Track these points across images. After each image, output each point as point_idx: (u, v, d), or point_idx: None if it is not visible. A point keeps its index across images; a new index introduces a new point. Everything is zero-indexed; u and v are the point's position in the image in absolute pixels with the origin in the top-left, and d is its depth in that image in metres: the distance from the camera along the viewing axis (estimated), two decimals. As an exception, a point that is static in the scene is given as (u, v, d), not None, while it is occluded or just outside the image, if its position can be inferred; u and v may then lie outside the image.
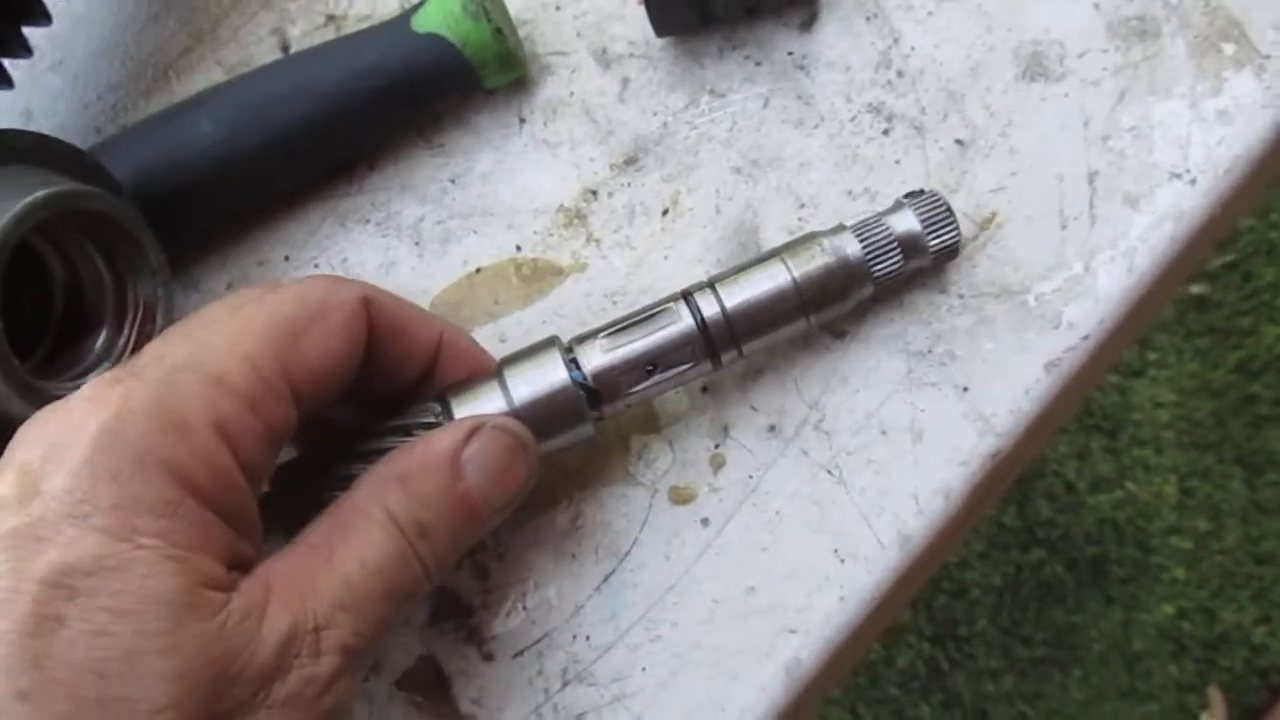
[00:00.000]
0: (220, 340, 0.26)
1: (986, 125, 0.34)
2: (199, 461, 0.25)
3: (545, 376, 0.30)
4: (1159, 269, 0.32)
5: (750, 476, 0.33)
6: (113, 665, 0.22)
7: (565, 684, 0.32)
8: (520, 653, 0.33)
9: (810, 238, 0.31)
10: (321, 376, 0.28)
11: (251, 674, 0.24)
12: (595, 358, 0.30)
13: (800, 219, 0.34)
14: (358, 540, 0.26)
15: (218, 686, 0.23)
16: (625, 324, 0.31)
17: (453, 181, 0.38)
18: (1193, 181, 0.32)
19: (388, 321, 0.30)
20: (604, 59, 0.38)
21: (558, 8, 0.39)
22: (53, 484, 0.23)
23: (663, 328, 0.30)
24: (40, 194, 0.31)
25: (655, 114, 0.37)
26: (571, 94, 0.38)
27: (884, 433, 0.32)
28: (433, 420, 0.30)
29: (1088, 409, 1.34)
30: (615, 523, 0.33)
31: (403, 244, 0.38)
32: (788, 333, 0.31)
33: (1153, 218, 0.32)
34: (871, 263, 0.31)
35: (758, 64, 0.36)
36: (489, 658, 0.33)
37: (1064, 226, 0.33)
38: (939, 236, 0.31)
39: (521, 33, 0.38)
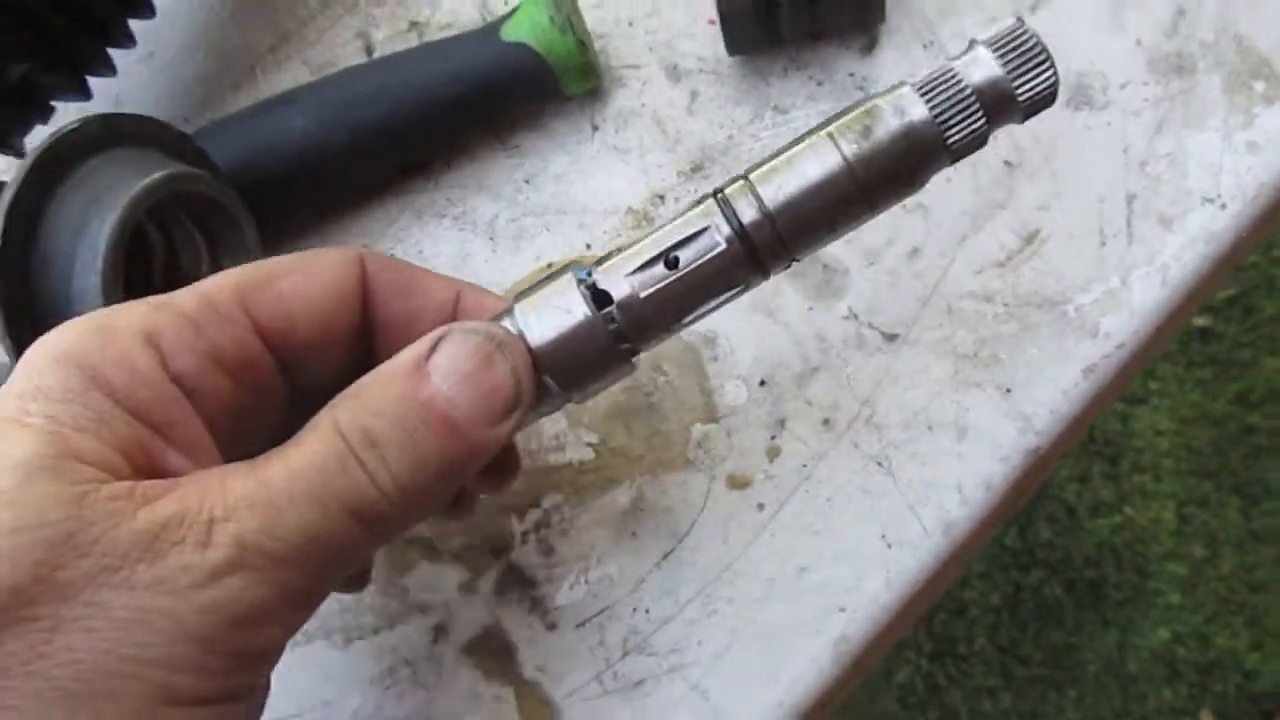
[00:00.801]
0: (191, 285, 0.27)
1: (1033, 148, 0.36)
2: (114, 361, 0.24)
3: (561, 312, 0.27)
4: (1190, 285, 0.34)
5: (804, 466, 0.35)
6: None
7: (625, 654, 0.35)
8: (583, 624, 0.35)
9: (865, 103, 0.26)
10: (298, 320, 0.27)
11: (107, 548, 0.22)
12: (619, 287, 0.27)
13: (855, 231, 0.37)
14: (293, 450, 0.25)
15: (54, 551, 0.22)
16: (656, 254, 0.26)
17: (527, 182, 0.40)
18: (1223, 206, 0.35)
19: (389, 280, 0.29)
20: (674, 73, 0.40)
21: (630, 23, 0.41)
22: None
23: (703, 253, 0.26)
24: (158, 176, 0.33)
25: (721, 126, 0.39)
26: (643, 104, 0.40)
27: (930, 429, 0.34)
28: None
29: (1090, 434, 1.36)
30: (675, 506, 0.36)
31: (478, 238, 0.40)
32: (848, 229, 0.27)
33: (1185, 238, 0.35)
34: (945, 126, 0.25)
35: (820, 84, 0.39)
36: (552, 627, 0.35)
37: (1103, 244, 0.35)
38: (1029, 82, 0.25)
39: (597, 45, 0.40)
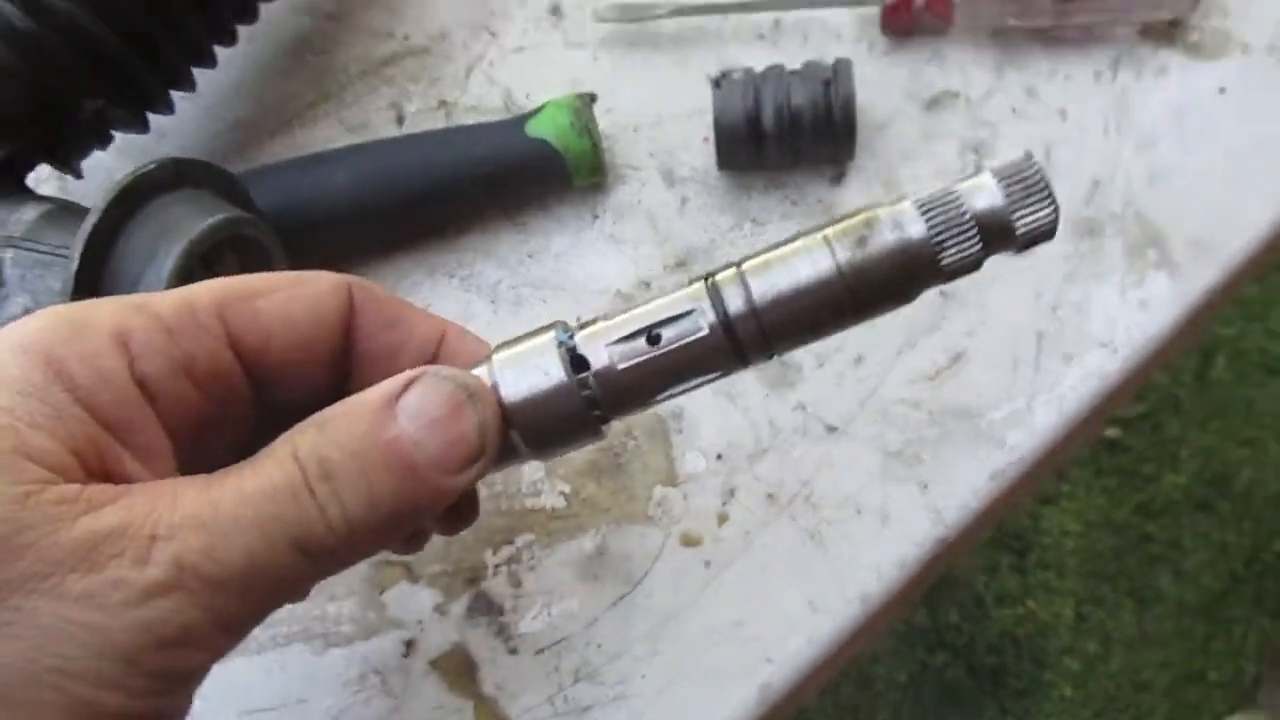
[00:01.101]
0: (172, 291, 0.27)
1: (966, 281, 0.43)
2: (79, 358, 0.24)
3: (538, 372, 0.26)
4: (1082, 414, 0.41)
5: (748, 532, 0.41)
6: None
7: (577, 680, 0.40)
8: (541, 650, 0.40)
9: (866, 211, 0.26)
10: (275, 339, 0.27)
11: (43, 554, 0.22)
12: (599, 355, 0.26)
13: (812, 332, 0.43)
14: (248, 471, 0.24)
15: None
16: (639, 328, 0.26)
17: (530, 256, 0.46)
18: (1115, 351, 0.42)
19: (376, 310, 0.29)
20: (670, 178, 0.46)
21: (635, 130, 0.47)
22: None
23: (685, 335, 0.26)
24: (221, 218, 0.38)
25: (705, 230, 0.45)
26: (639, 201, 0.46)
27: (858, 512, 0.40)
28: None
29: (1001, 528, 1.44)
30: (633, 555, 0.41)
31: (481, 300, 0.46)
32: (831, 333, 0.27)
33: (1082, 374, 0.41)
34: (941, 247, 0.25)
35: (794, 203, 0.45)
36: (514, 651, 0.40)
37: (1014, 369, 0.42)
38: (1030, 215, 0.25)
39: (605, 146, 0.46)
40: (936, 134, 0.45)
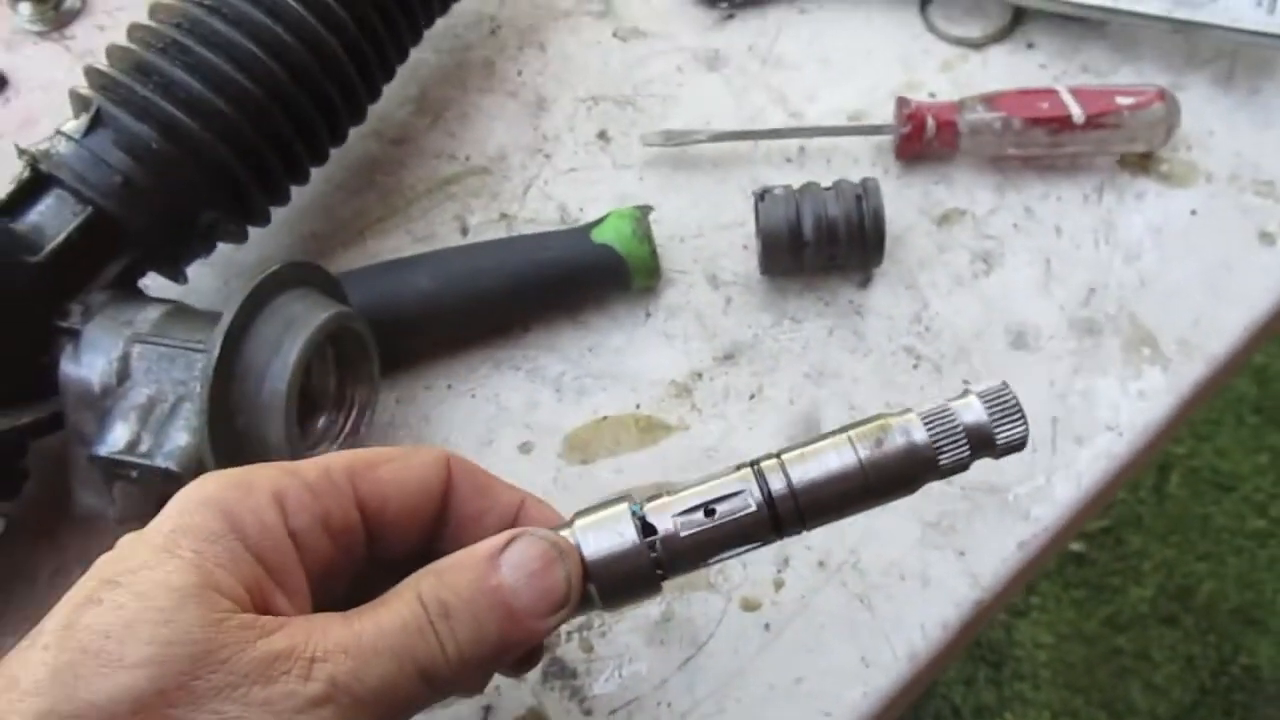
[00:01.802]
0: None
1: (984, 373, 0.49)
2: (249, 512, 0.29)
3: (613, 534, 0.31)
4: (1097, 488, 0.46)
5: (803, 596, 0.44)
6: (117, 629, 0.26)
7: (648, 738, 0.42)
8: (614, 711, 0.43)
9: (880, 419, 0.32)
10: (391, 502, 0.32)
11: (234, 668, 0.27)
12: (665, 523, 0.31)
13: (851, 417, 0.48)
14: (384, 610, 0.29)
15: (196, 665, 0.26)
16: (698, 503, 0.32)
17: (590, 350, 0.51)
18: (1120, 434, 0.47)
19: (469, 480, 0.34)
20: (714, 281, 0.52)
21: (683, 240, 0.53)
22: (152, 526, 0.30)
23: (735, 511, 0.31)
24: (334, 313, 0.42)
25: (749, 326, 0.51)
26: (688, 302, 0.51)
27: (902, 577, 0.44)
28: None
29: (977, 641, 1.47)
30: (696, 619, 0.44)
31: (545, 389, 0.50)
32: (853, 514, 0.32)
33: (1093, 454, 0.47)
34: (939, 451, 0.31)
35: (827, 304, 0.51)
36: (588, 713, 0.43)
37: (1034, 451, 0.47)
38: (1007, 430, 0.32)
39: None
40: (949, 245, 0.52)
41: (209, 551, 0.28)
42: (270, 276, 0.41)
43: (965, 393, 0.33)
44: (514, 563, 0.30)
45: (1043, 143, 0.51)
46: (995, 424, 0.32)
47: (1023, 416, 0.32)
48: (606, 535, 0.31)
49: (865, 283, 0.51)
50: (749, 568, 0.45)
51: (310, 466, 0.32)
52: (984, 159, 0.53)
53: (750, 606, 0.44)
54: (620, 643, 0.44)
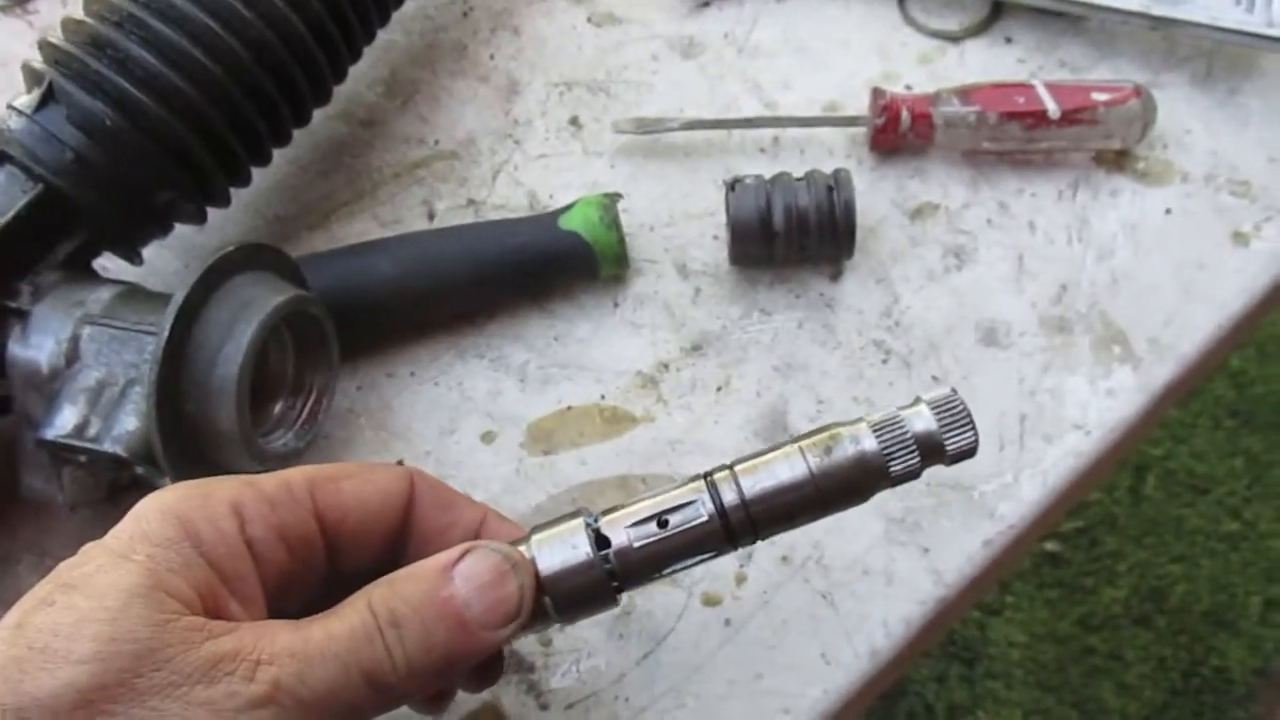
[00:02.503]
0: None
1: (954, 369, 0.48)
2: (205, 520, 0.30)
3: (566, 548, 0.32)
4: (1062, 487, 0.45)
5: (765, 592, 0.44)
6: (65, 627, 0.27)
7: (605, 734, 0.42)
8: (571, 705, 0.42)
9: (830, 429, 0.32)
10: (350, 515, 0.33)
11: (177, 667, 0.27)
12: (619, 536, 0.32)
13: (818, 411, 0.47)
14: (334, 617, 0.30)
15: (138, 662, 0.27)
16: (651, 514, 0.32)
17: (556, 339, 0.50)
18: (1088, 433, 0.47)
19: (432, 495, 0.35)
20: (684, 271, 0.51)
21: (652, 229, 0.52)
22: (111, 533, 0.30)
23: (687, 521, 0.32)
24: (290, 296, 0.41)
25: (718, 318, 0.50)
26: (656, 291, 0.51)
27: (866, 573, 0.44)
28: None
29: (950, 638, 1.47)
30: (657, 614, 0.44)
31: (509, 379, 0.49)
32: (804, 523, 0.33)
33: (1060, 452, 0.46)
34: (889, 459, 0.32)
35: (797, 296, 0.50)
36: (545, 708, 0.42)
37: (1001, 448, 0.46)
38: (956, 438, 0.32)
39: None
40: (922, 239, 0.51)
41: (161, 556, 0.29)
42: (224, 258, 0.40)
43: (915, 401, 0.33)
44: (466, 575, 0.31)
45: (1018, 137, 0.51)
46: (945, 431, 0.32)
47: (972, 424, 0.32)
48: (561, 549, 0.32)
49: (836, 275, 0.50)
50: (710, 563, 0.44)
51: (270, 479, 0.32)
52: (959, 153, 0.53)
53: (711, 601, 0.44)
54: (579, 637, 0.43)
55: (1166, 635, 1.49)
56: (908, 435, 0.32)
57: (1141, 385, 0.47)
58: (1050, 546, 1.54)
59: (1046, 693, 1.45)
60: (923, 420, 0.32)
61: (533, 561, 0.32)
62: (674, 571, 0.33)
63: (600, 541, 0.32)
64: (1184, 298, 0.49)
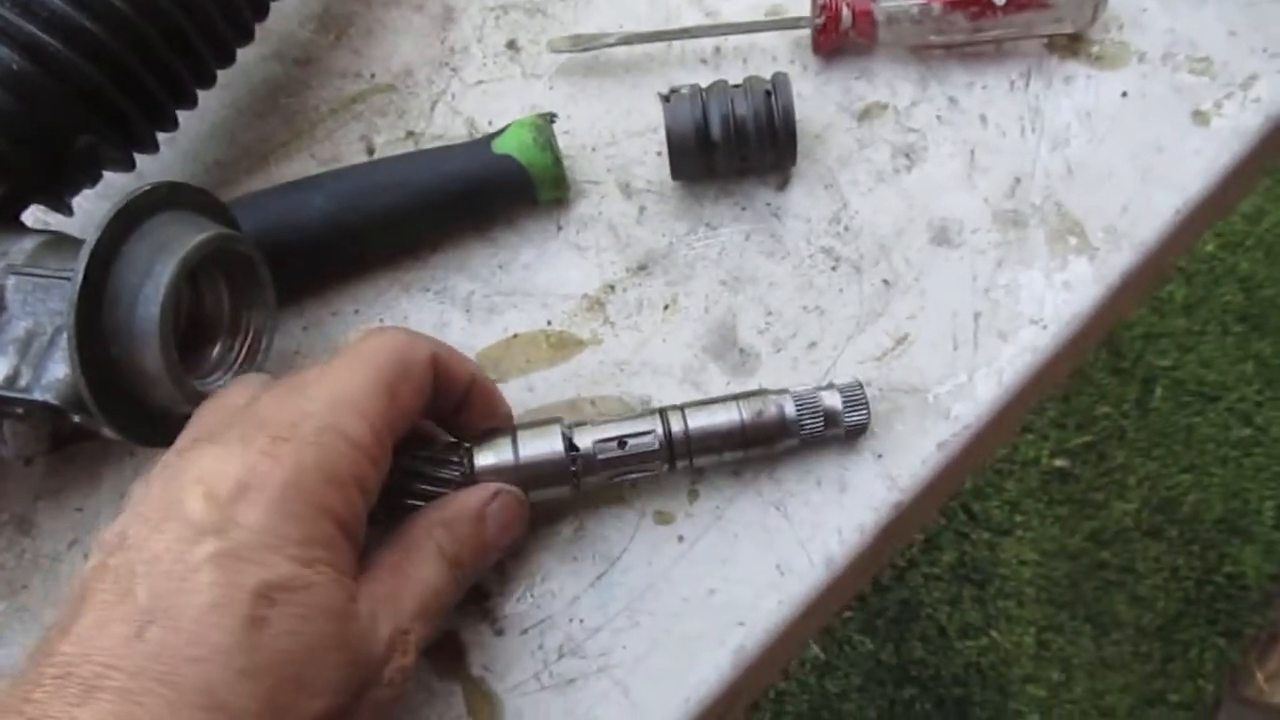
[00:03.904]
0: (346, 401, 0.35)
1: (905, 271, 0.47)
2: (347, 508, 0.34)
3: (546, 446, 0.40)
4: (1019, 385, 0.44)
5: (718, 507, 0.43)
6: (300, 654, 0.30)
7: (561, 656, 0.41)
8: (525, 630, 0.42)
9: (763, 393, 0.42)
10: (407, 423, 0.38)
11: (374, 661, 0.33)
12: (585, 443, 0.40)
13: (767, 323, 0.46)
14: (424, 568, 0.37)
15: (360, 669, 0.33)
16: (615, 433, 0.41)
17: (500, 267, 0.49)
18: (1045, 328, 0.45)
19: (441, 370, 0.39)
20: (627, 190, 0.50)
21: (593, 149, 0.51)
22: (248, 518, 0.32)
23: (640, 436, 0.41)
24: (212, 233, 0.40)
25: (664, 235, 0.49)
26: (600, 213, 0.49)
27: (819, 483, 0.43)
28: (457, 467, 0.40)
29: (961, 560, 1.47)
30: (610, 535, 0.43)
31: (455, 310, 0.48)
32: (727, 458, 0.42)
33: (1016, 349, 0.45)
34: (801, 423, 0.42)
35: (743, 209, 0.49)
36: (500, 633, 0.42)
37: (955, 348, 0.45)
38: (853, 416, 0.42)
39: (566, 164, 0.50)
40: (870, 141, 0.49)
41: (337, 562, 0.33)
42: (140, 197, 0.39)
43: (830, 385, 0.43)
44: (496, 518, 0.39)
45: (964, 28, 0.49)
46: (846, 410, 0.42)
47: (867, 407, 0.43)
48: (540, 444, 0.41)
49: (783, 185, 0.49)
50: (663, 481, 0.44)
51: (364, 433, 0.35)
52: (905, 50, 0.51)
53: (664, 519, 0.43)
54: (532, 561, 0.43)
55: (1179, 545, 1.49)
56: (818, 408, 0.42)
57: (1099, 276, 0.46)
58: (1059, 463, 1.53)
59: (1059, 609, 1.45)
60: (831, 399, 0.42)
61: (516, 449, 0.40)
62: (623, 476, 0.41)
63: (570, 446, 0.41)
64: (1141, 183, 0.47)
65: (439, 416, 0.41)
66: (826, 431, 0.42)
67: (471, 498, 0.39)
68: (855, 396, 0.42)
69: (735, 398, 0.42)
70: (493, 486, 0.39)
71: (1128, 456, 1.54)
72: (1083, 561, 1.48)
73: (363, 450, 0.35)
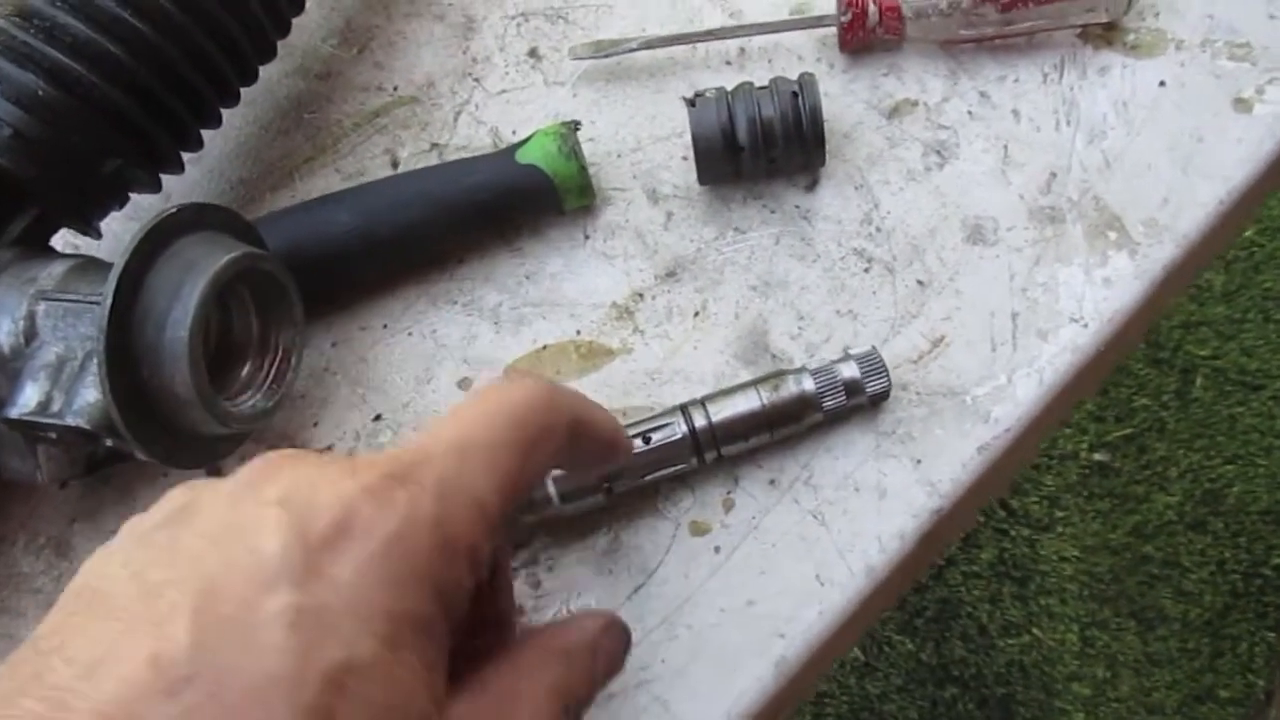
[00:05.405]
0: (479, 455, 0.29)
1: (940, 272, 0.46)
2: (455, 585, 0.27)
3: None
4: (1060, 385, 0.43)
5: (754, 517, 0.42)
6: None
7: (599, 671, 0.41)
8: (563, 645, 0.41)
9: (780, 373, 0.42)
10: (528, 489, 0.31)
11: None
12: None
13: (800, 328, 0.46)
14: (530, 705, 0.29)
15: None
16: (639, 430, 0.41)
17: (528, 278, 0.48)
18: (1085, 325, 0.44)
19: (583, 434, 0.33)
20: (654, 196, 0.49)
21: (619, 156, 0.50)
22: (338, 570, 0.25)
23: (663, 428, 0.41)
24: (239, 254, 0.40)
25: (692, 241, 0.48)
26: (627, 220, 0.49)
27: (857, 490, 0.42)
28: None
29: (1000, 557, 1.45)
30: (645, 547, 0.42)
31: (483, 322, 0.48)
32: (755, 443, 0.42)
33: (1057, 348, 0.44)
34: (822, 398, 0.41)
35: (772, 211, 0.48)
36: (536, 649, 0.42)
37: (994, 349, 0.44)
38: (874, 384, 0.42)
39: (591, 171, 0.49)
40: (900, 139, 0.49)
41: (428, 651, 0.26)
42: (166, 219, 0.39)
43: (846, 356, 0.43)
44: (606, 654, 0.32)
45: (994, 21, 0.48)
46: (865, 379, 0.42)
47: (886, 373, 0.42)
48: None
49: (812, 186, 0.48)
50: (697, 491, 0.43)
51: (492, 500, 0.29)
52: (934, 45, 0.50)
53: (700, 530, 0.43)
54: (568, 575, 0.43)
55: (1224, 538, 1.46)
56: (837, 380, 0.42)
57: (1140, 271, 0.45)
58: (1099, 456, 1.51)
59: (1103, 604, 1.42)
60: (849, 369, 0.42)
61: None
62: (653, 478, 0.42)
63: None
64: (1182, 174, 0.46)
65: None
66: (849, 402, 0.42)
67: (587, 628, 0.32)
68: (873, 363, 0.42)
69: (753, 382, 0.42)
70: (605, 614, 0.33)
71: (1169, 448, 1.52)
72: (1125, 556, 1.45)
73: (486, 517, 0.28)
